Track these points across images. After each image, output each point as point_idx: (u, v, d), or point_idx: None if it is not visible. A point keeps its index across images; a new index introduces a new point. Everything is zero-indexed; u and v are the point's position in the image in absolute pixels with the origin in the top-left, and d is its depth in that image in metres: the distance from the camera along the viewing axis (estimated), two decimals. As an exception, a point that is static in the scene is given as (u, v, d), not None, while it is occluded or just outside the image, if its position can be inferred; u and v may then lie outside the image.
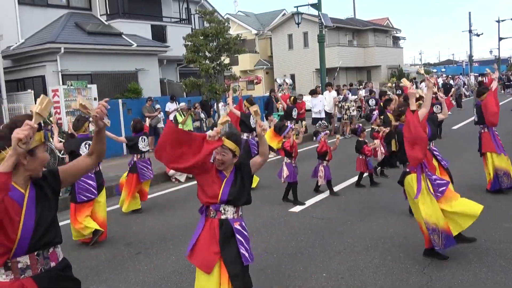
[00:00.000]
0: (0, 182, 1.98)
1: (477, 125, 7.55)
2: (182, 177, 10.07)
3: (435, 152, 6.40)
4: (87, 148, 6.03)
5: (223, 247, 3.27)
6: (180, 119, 13.29)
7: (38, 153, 2.29)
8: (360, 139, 8.39)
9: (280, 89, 20.30)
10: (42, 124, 2.28)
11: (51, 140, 8.91)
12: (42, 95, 2.20)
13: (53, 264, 2.36)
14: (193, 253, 3.36)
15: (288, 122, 10.54)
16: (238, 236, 3.30)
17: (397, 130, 5.31)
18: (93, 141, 2.56)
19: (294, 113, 11.97)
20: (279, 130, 8.78)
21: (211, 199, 3.31)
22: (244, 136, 8.85)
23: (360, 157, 8.31)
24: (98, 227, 6.07)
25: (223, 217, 3.32)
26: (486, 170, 7.35)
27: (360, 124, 9.27)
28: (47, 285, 2.30)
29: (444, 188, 4.80)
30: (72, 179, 2.58)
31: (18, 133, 1.98)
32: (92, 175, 6.17)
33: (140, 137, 7.73)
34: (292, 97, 13.51)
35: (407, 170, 4.91)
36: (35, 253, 2.28)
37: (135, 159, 7.71)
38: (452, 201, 4.77)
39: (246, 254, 3.31)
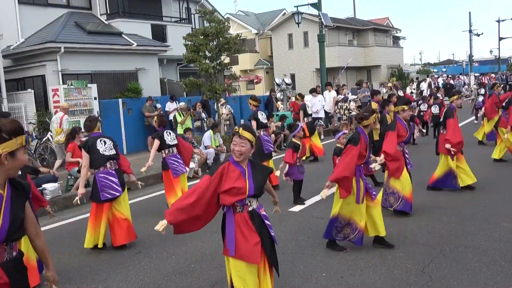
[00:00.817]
0: None
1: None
2: (190, 172, 10.13)
3: (406, 155, 6.62)
4: (103, 143, 5.89)
5: (261, 234, 3.48)
6: (179, 119, 13.24)
7: (18, 155, 2.51)
8: (338, 144, 8.32)
9: (279, 89, 20.28)
10: (27, 130, 2.48)
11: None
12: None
13: (14, 253, 2.62)
14: (236, 250, 3.44)
15: (298, 122, 10.35)
16: (266, 222, 3.57)
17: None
18: (39, 254, 2.85)
19: (308, 108, 11.77)
20: (289, 129, 8.75)
21: (238, 196, 3.44)
22: (262, 133, 8.81)
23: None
24: (90, 246, 5.84)
25: (250, 208, 3.51)
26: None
27: (345, 129, 9.28)
28: (10, 271, 2.54)
29: (375, 193, 5.43)
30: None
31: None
32: (113, 172, 5.90)
33: (165, 131, 7.40)
34: (298, 94, 13.43)
35: None
36: (4, 244, 2.52)
37: (163, 155, 7.33)
38: (378, 207, 5.31)
39: (274, 236, 3.62)
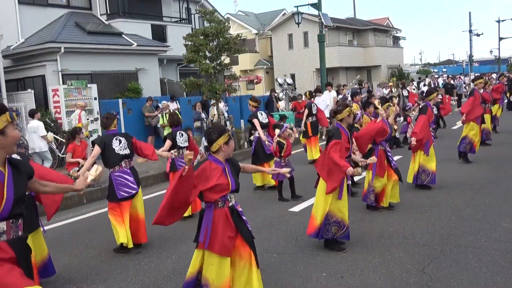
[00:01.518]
0: None
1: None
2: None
3: (388, 153, 6.78)
4: (118, 142, 5.83)
5: (239, 228, 3.72)
6: (161, 121, 12.38)
7: (8, 131, 2.64)
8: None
9: (282, 88, 20.29)
10: (9, 108, 2.63)
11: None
12: (96, 166, 2.82)
13: (20, 233, 2.76)
14: (210, 242, 3.60)
15: (283, 122, 10.33)
16: (243, 217, 3.81)
17: None
18: (59, 189, 3.25)
19: (314, 108, 11.74)
20: (276, 128, 8.79)
21: (222, 192, 3.62)
22: (256, 134, 8.80)
23: None
24: (125, 241, 5.63)
25: (230, 204, 3.71)
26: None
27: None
28: (17, 249, 2.69)
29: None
30: (37, 177, 3.06)
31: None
32: (128, 170, 5.84)
33: (178, 132, 7.20)
34: (308, 92, 13.39)
35: None
36: (10, 221, 2.67)
37: (173, 156, 7.08)
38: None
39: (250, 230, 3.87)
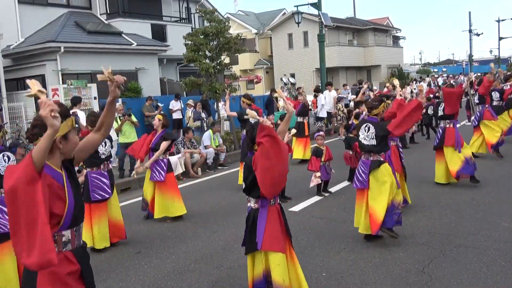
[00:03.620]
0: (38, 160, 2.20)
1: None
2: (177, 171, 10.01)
3: (399, 149, 6.96)
4: (103, 144, 5.81)
5: (286, 224, 3.76)
6: (115, 125, 10.48)
7: (71, 137, 2.55)
8: (351, 135, 8.43)
9: (285, 88, 20.33)
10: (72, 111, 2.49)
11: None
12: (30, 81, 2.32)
13: (81, 242, 2.64)
14: (271, 242, 3.52)
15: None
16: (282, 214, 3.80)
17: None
18: (104, 113, 2.79)
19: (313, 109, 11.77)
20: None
21: (280, 188, 3.63)
22: (244, 132, 8.88)
23: (350, 152, 8.33)
24: (108, 244, 5.79)
25: (278, 200, 3.74)
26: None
27: (354, 122, 9.27)
28: (80, 259, 2.57)
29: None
30: (83, 155, 2.80)
31: (47, 109, 2.15)
32: (106, 173, 5.87)
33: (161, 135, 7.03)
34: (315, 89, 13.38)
35: (381, 159, 5.36)
36: (74, 229, 2.54)
37: (167, 157, 7.04)
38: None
39: None
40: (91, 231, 5.73)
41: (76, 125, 2.64)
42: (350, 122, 9.26)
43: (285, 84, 19.59)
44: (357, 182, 5.48)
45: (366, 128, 5.40)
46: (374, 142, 5.33)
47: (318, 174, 7.54)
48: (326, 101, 16.02)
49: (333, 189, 8.20)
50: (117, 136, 10.52)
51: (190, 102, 14.65)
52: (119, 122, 10.43)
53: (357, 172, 5.52)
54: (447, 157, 7.73)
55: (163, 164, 6.89)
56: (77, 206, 2.53)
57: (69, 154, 2.59)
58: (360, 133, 5.47)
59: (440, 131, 7.94)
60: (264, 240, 3.51)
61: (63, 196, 2.44)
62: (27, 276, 2.44)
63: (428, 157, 9.77)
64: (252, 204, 3.67)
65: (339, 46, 34.95)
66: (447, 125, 7.85)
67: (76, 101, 10.24)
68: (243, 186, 3.70)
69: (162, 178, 6.82)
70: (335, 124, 16.56)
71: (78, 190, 2.62)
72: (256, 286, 3.66)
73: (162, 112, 8.02)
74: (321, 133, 8.16)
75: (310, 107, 16.25)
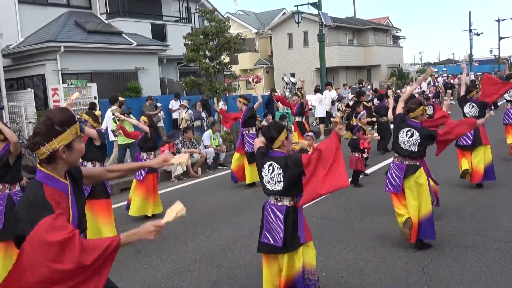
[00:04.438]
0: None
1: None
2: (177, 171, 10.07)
3: None
4: None
5: None
6: (113, 125, 10.28)
7: (75, 145, 2.38)
8: (355, 137, 8.43)
9: (287, 87, 20.35)
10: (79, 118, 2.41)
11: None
12: (179, 205, 2.38)
13: None
14: (308, 232, 3.70)
15: (282, 121, 10.49)
16: None
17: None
18: (126, 171, 2.88)
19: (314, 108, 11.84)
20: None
21: None
22: (252, 130, 9.10)
23: (356, 154, 8.31)
24: None
25: None
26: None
27: (358, 123, 9.27)
28: None
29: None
30: (87, 182, 2.69)
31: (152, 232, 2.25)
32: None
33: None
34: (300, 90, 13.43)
35: (417, 163, 5.13)
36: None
37: (151, 157, 7.31)
38: None
39: None
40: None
41: (81, 133, 2.49)
42: (354, 123, 9.23)
43: (287, 83, 19.60)
44: (390, 186, 5.24)
45: (409, 133, 5.11)
46: (414, 148, 5.07)
47: None
48: (326, 101, 16.03)
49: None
50: (115, 137, 10.48)
51: (184, 103, 14.35)
52: (117, 123, 10.35)
53: (389, 175, 5.25)
54: (484, 155, 7.60)
55: None
56: (81, 216, 2.44)
57: (75, 164, 2.46)
58: (399, 136, 5.17)
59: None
60: (305, 233, 3.65)
61: (67, 207, 2.34)
62: None
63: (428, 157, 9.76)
64: (286, 202, 3.65)
65: (339, 46, 34.93)
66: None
67: (113, 99, 10.64)
68: (278, 187, 3.62)
69: (141, 178, 7.11)
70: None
71: (82, 200, 2.51)
72: (296, 280, 3.65)
73: (147, 113, 8.26)
74: (311, 133, 8.09)
75: (310, 107, 16.30)
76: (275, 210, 3.65)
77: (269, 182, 3.66)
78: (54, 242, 2.07)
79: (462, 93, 8.03)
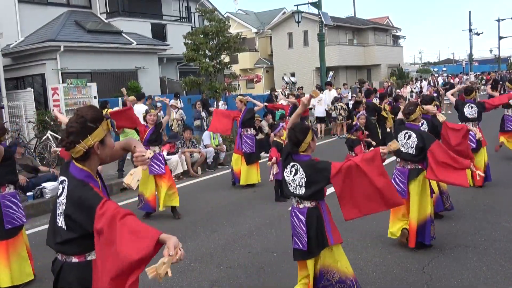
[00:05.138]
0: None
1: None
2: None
3: None
4: None
5: None
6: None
7: (107, 141, 2.45)
8: (354, 137, 8.41)
9: (288, 87, 20.36)
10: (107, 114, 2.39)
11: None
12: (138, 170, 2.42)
13: None
14: (336, 235, 3.73)
15: (282, 121, 10.40)
16: None
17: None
18: (127, 147, 2.72)
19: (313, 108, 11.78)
20: (271, 128, 8.88)
21: None
22: (252, 131, 9.14)
23: (353, 155, 8.30)
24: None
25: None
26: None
27: (358, 122, 9.25)
28: None
29: None
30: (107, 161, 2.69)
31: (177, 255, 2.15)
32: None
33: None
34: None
35: (420, 167, 5.08)
36: None
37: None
38: None
39: None
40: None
41: (112, 128, 2.52)
42: (354, 122, 9.22)
43: (287, 83, 19.64)
44: None
45: (407, 135, 5.10)
46: (412, 151, 5.03)
47: (276, 170, 7.03)
48: (326, 101, 16.02)
49: (332, 189, 8.18)
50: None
51: (174, 103, 13.91)
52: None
53: (392, 181, 4.97)
54: (483, 156, 7.69)
55: (161, 158, 7.08)
56: None
57: (106, 159, 2.50)
58: (398, 139, 5.14)
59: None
60: (334, 234, 3.65)
61: None
62: None
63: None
64: (308, 204, 3.65)
65: (339, 46, 34.93)
66: None
67: (140, 96, 11.11)
68: (300, 192, 3.60)
69: (163, 171, 6.97)
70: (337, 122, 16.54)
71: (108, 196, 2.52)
72: (316, 278, 3.66)
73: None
74: (283, 124, 7.99)
75: (310, 107, 16.28)
76: (298, 213, 3.66)
77: (290, 184, 3.64)
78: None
79: (452, 100, 8.30)
